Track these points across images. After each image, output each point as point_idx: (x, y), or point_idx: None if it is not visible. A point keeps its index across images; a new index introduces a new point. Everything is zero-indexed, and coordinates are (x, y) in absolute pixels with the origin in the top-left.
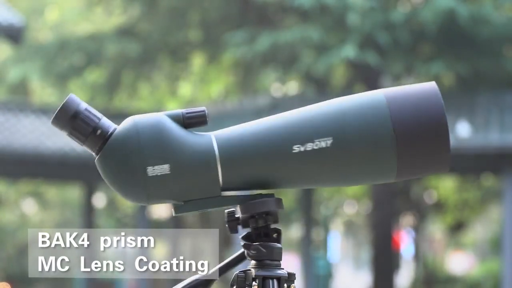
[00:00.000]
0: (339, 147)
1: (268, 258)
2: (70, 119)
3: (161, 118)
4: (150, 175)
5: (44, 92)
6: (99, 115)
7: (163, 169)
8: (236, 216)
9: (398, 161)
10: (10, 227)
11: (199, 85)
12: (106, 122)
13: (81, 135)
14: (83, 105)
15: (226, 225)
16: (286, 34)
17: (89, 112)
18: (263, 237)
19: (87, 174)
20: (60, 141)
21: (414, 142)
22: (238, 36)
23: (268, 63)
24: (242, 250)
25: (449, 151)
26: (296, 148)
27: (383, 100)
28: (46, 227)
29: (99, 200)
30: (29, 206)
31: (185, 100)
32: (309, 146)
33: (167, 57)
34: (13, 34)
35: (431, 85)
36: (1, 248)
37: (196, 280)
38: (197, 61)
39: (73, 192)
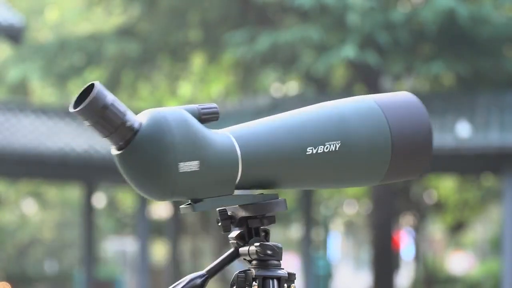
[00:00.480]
0: (345, 151)
1: (276, 258)
2: (101, 108)
3: (186, 113)
4: (181, 171)
5: (44, 92)
6: (125, 106)
7: (193, 165)
8: (229, 214)
9: (389, 167)
10: (10, 227)
11: (199, 85)
12: (131, 114)
13: (111, 126)
14: (111, 95)
15: (219, 224)
16: (286, 34)
17: (118, 103)
18: (255, 237)
19: (87, 174)
20: (60, 141)
21: (405, 151)
22: (238, 36)
23: (268, 63)
24: (233, 249)
25: (431, 161)
26: (310, 150)
27: (378, 108)
28: (46, 227)
29: (99, 200)
30: (29, 206)
31: (185, 100)
32: (320, 149)
33: (167, 57)
34: (13, 34)
35: (413, 96)
36: (1, 248)
37: (192, 279)
38: (197, 61)
39: (73, 192)
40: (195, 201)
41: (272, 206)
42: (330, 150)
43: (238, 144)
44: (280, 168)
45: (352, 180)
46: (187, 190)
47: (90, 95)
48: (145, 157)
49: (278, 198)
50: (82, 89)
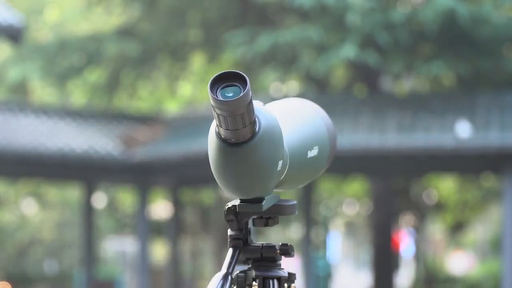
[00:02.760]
0: (319, 155)
1: (277, 259)
2: (250, 101)
3: None
4: (277, 169)
5: (44, 92)
6: None
7: (280, 165)
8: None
9: (327, 161)
10: (10, 227)
11: (199, 85)
12: None
13: (249, 118)
14: None
15: (228, 221)
16: (286, 34)
17: None
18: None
19: (86, 174)
20: (60, 141)
21: (333, 144)
22: (238, 36)
23: (268, 63)
24: (236, 248)
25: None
26: (309, 153)
27: (319, 115)
28: (46, 227)
29: (99, 200)
30: (29, 206)
31: (185, 100)
32: (312, 153)
33: (167, 57)
34: (13, 34)
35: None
36: (1, 248)
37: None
38: (197, 61)
39: (73, 192)
40: (261, 200)
41: (286, 209)
42: (314, 154)
43: None
44: (292, 169)
45: (315, 177)
46: (269, 189)
47: (246, 87)
48: (263, 153)
49: (292, 201)
50: (217, 74)
